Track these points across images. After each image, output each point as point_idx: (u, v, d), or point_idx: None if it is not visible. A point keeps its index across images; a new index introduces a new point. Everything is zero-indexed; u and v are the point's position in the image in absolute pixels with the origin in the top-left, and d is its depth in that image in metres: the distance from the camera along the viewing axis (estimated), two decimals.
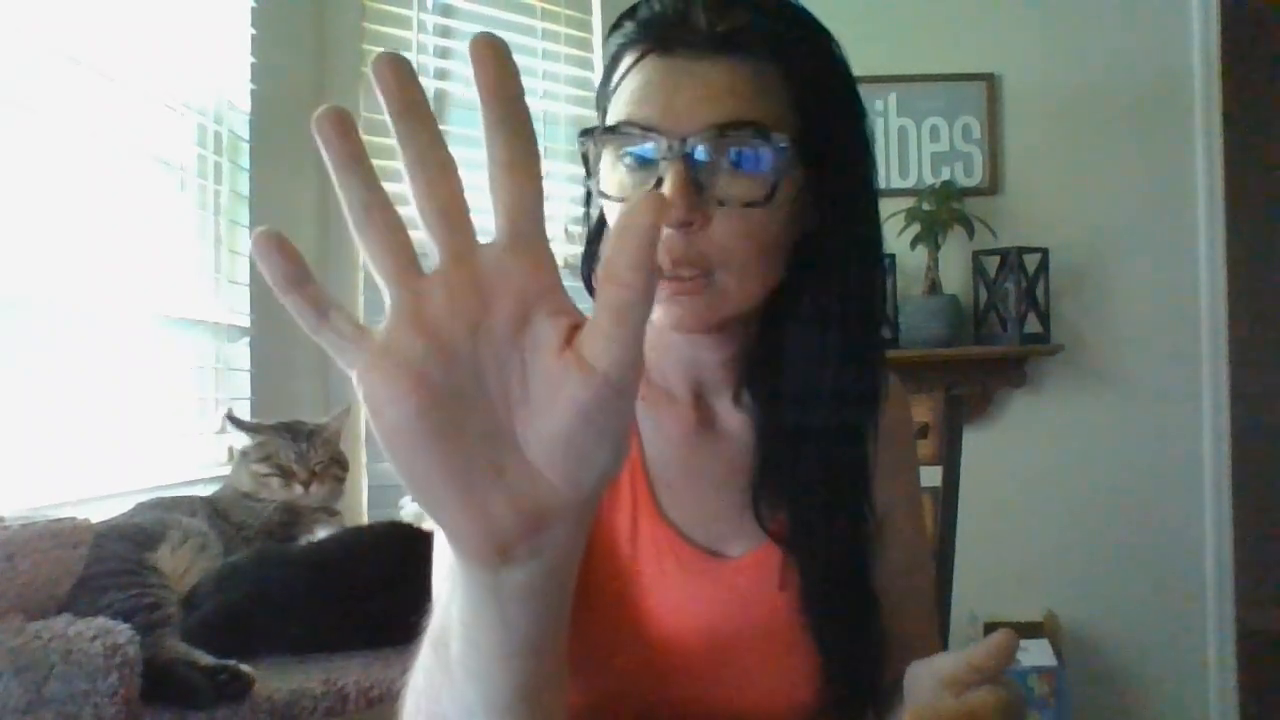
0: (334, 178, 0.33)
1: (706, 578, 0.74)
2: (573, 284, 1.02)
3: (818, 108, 0.68)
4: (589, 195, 0.77)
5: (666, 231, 0.64)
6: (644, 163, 0.67)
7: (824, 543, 0.74)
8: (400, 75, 0.33)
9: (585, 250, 0.80)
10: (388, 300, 0.33)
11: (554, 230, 2.10)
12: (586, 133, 0.69)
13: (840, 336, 0.72)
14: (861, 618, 0.75)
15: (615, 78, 0.70)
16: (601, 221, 0.77)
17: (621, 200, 0.68)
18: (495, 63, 0.33)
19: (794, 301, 0.73)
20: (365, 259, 0.34)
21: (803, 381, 0.73)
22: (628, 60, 0.69)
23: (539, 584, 0.37)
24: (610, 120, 0.69)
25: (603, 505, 0.74)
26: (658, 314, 0.68)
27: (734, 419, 0.78)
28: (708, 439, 0.77)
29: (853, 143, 0.73)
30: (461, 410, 0.33)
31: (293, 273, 0.33)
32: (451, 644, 0.43)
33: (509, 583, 0.37)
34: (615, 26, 0.72)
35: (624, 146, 0.67)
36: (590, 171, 0.70)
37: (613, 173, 0.68)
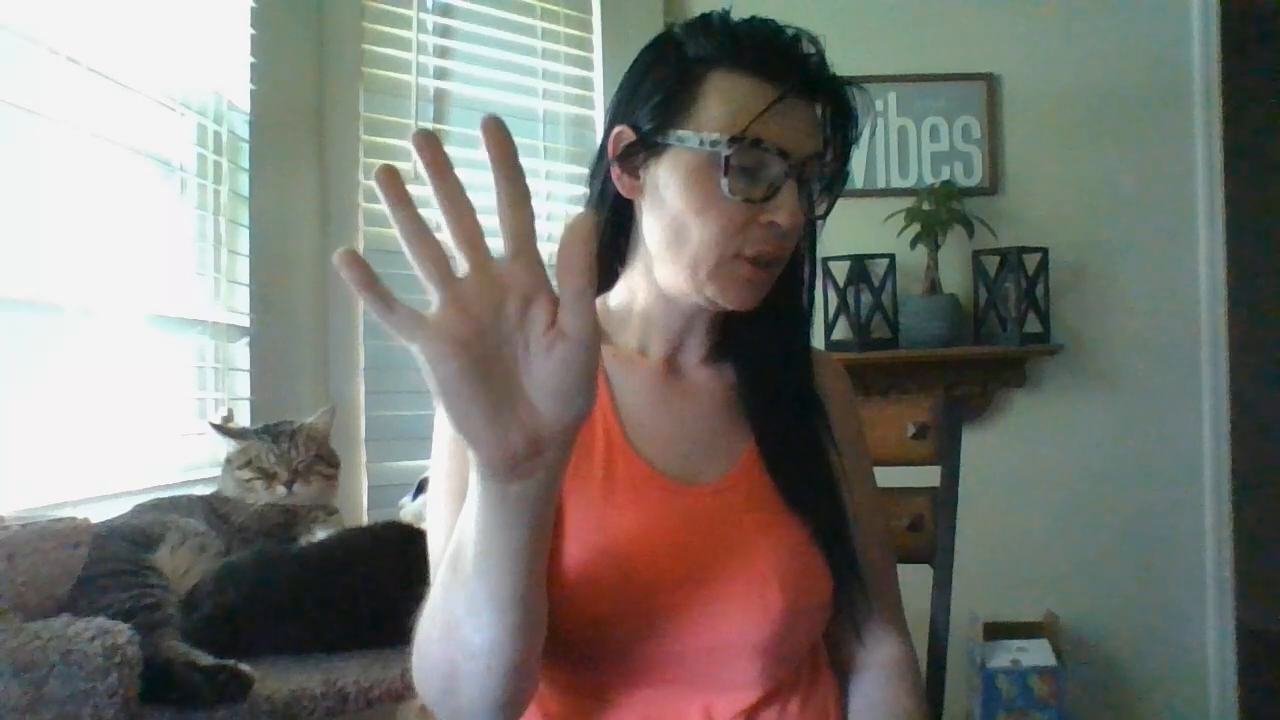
0: (389, 213, 0.47)
1: (679, 503, 0.84)
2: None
3: (849, 147, 0.86)
4: (604, 190, 0.88)
5: (780, 231, 0.80)
6: (752, 174, 0.80)
7: (796, 449, 0.89)
8: (434, 148, 0.47)
9: (601, 243, 0.91)
10: (434, 295, 0.48)
11: (555, 230, 2.10)
12: (736, 140, 0.79)
13: (788, 315, 0.91)
14: (836, 523, 0.87)
15: (702, 88, 0.81)
16: (614, 209, 0.89)
17: (750, 201, 0.80)
18: (502, 137, 0.47)
19: None
20: (415, 268, 0.48)
21: (770, 343, 0.90)
22: (727, 80, 0.80)
23: (536, 493, 0.55)
24: (719, 131, 0.79)
25: (576, 452, 0.82)
26: (730, 296, 0.83)
27: (700, 373, 0.93)
28: (675, 387, 0.91)
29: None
30: (487, 367, 0.49)
31: (363, 277, 0.47)
32: (466, 552, 0.60)
33: (515, 493, 0.54)
34: (695, 34, 0.83)
35: (744, 159, 0.79)
36: (650, 146, 0.82)
37: (713, 172, 0.80)
